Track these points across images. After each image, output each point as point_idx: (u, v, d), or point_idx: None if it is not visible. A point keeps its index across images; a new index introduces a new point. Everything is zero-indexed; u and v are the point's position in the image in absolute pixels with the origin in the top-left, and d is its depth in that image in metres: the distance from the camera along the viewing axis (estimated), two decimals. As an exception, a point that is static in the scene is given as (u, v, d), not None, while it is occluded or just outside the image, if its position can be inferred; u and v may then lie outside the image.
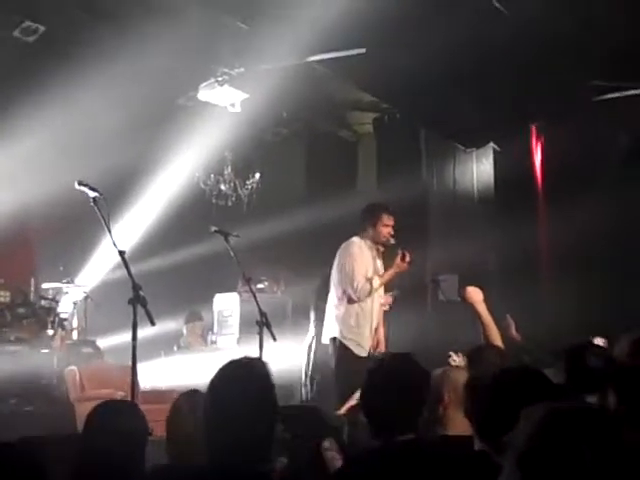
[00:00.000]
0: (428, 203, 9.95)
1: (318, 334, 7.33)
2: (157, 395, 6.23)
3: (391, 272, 6.51)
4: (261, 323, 5.51)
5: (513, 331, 6.15)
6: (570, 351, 4.13)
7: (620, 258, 8.71)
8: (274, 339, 5.50)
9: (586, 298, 8.54)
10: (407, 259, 6.45)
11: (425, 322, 8.52)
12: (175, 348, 8.34)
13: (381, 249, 6.64)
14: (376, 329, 6.65)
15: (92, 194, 5.37)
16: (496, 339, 5.23)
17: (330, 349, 6.52)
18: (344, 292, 6.48)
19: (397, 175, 9.23)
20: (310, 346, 7.90)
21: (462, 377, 3.60)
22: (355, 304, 6.48)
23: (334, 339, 6.45)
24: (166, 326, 7.94)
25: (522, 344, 6.06)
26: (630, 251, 8.54)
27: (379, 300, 6.64)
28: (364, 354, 6.43)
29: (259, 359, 2.62)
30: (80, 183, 5.39)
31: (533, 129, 9.70)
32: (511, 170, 9.25)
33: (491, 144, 9.74)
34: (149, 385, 6.76)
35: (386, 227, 6.53)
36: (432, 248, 7.62)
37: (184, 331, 8.57)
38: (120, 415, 2.97)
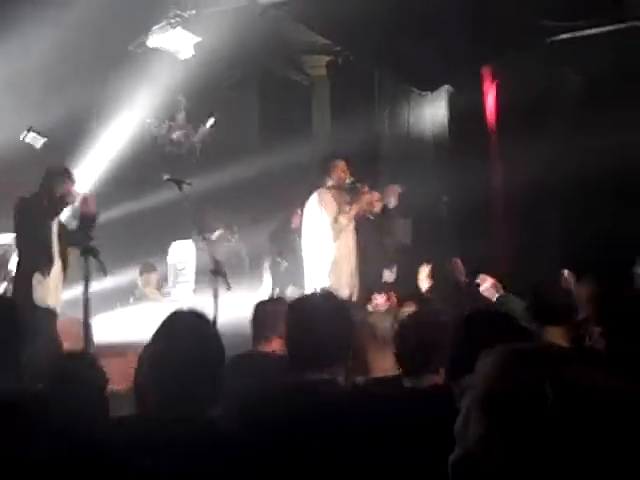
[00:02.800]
0: (381, 147, 10.03)
1: (276, 283, 7.50)
2: (112, 348, 6.27)
3: (354, 207, 6.91)
4: (215, 272, 5.56)
5: (461, 276, 6.31)
6: (535, 286, 4.30)
7: (572, 200, 8.87)
8: (228, 288, 5.56)
9: (538, 241, 8.73)
10: (364, 190, 6.87)
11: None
12: (130, 300, 8.36)
13: (345, 195, 6.92)
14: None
15: (41, 140, 5.36)
16: None
17: None
18: (319, 238, 6.79)
19: (351, 119, 9.26)
20: (273, 292, 8.05)
21: (382, 321, 3.75)
22: (331, 246, 6.78)
23: (317, 286, 6.65)
24: (121, 278, 7.96)
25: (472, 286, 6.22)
26: (581, 193, 8.69)
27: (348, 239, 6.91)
28: (346, 296, 6.58)
29: (197, 311, 2.68)
30: (29, 130, 5.37)
31: (487, 71, 9.75)
32: (465, 112, 9.34)
33: (445, 86, 9.79)
34: (104, 339, 6.80)
35: (341, 172, 6.84)
36: (383, 192, 7.73)
37: (139, 282, 8.58)
38: (79, 366, 3.05)
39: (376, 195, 7.52)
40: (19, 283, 5.88)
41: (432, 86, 9.83)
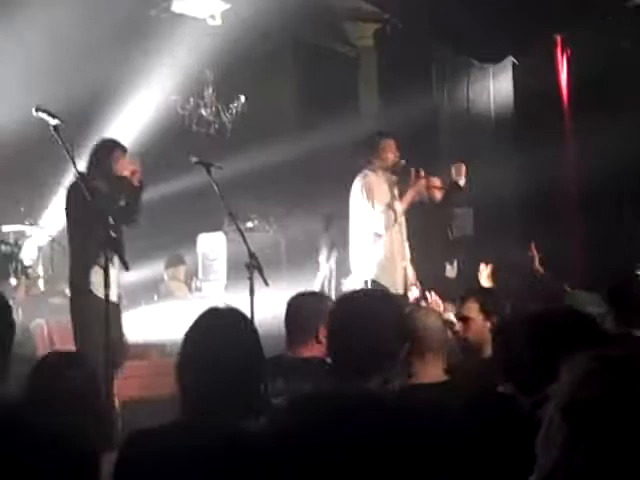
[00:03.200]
0: (438, 126, 9.89)
1: (333, 272, 7.37)
2: (136, 350, 6.22)
3: (410, 193, 6.71)
4: (251, 266, 5.48)
5: (537, 264, 6.18)
6: (614, 285, 4.26)
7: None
8: (266, 284, 5.48)
9: (613, 234, 8.53)
10: (421, 174, 6.62)
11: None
12: (155, 297, 8.32)
13: (394, 178, 6.78)
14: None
15: (52, 121, 5.27)
16: None
17: None
18: (368, 228, 6.64)
19: (403, 95, 9.11)
20: (323, 286, 8.00)
21: (431, 319, 3.66)
22: (382, 239, 6.63)
23: (366, 281, 6.59)
24: (145, 272, 7.93)
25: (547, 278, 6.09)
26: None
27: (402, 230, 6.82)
28: (400, 290, 6.63)
29: (236, 309, 2.65)
30: (38, 109, 5.29)
31: (557, 40, 9.57)
32: (532, 87, 9.16)
33: (510, 58, 9.61)
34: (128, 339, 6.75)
35: (390, 152, 6.67)
36: (443, 178, 7.54)
37: (165, 277, 8.54)
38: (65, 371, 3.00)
39: (436, 181, 7.34)
40: (77, 277, 5.86)
41: (495, 58, 9.65)
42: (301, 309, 3.96)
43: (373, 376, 2.71)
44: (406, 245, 6.91)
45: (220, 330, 2.44)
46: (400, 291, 6.64)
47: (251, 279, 5.44)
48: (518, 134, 9.42)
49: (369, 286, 6.53)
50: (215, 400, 2.31)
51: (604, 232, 8.50)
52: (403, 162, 6.78)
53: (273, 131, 9.26)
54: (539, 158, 8.35)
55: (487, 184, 8.54)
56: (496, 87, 9.75)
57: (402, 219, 6.83)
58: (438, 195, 7.33)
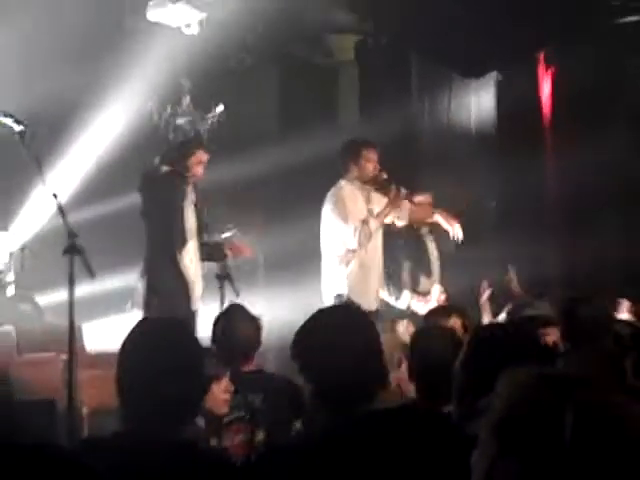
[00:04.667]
0: (418, 140, 9.82)
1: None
2: (106, 359, 6.12)
3: (387, 209, 6.51)
4: (221, 277, 5.43)
5: (515, 285, 6.15)
6: (564, 302, 4.29)
7: (636, 205, 8.65)
8: (237, 294, 5.41)
9: (596, 251, 8.49)
10: (402, 193, 6.50)
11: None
12: (129, 306, 8.19)
13: (371, 190, 6.63)
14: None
15: (17, 127, 5.24)
16: None
17: None
18: (342, 243, 6.45)
19: (383, 107, 9.07)
20: None
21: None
22: (356, 254, 6.45)
23: (339, 296, 6.46)
24: (118, 281, 7.80)
25: (524, 298, 6.07)
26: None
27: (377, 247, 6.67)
28: (373, 308, 6.40)
29: (174, 319, 2.83)
30: (5, 114, 5.26)
31: (541, 56, 9.56)
32: (515, 103, 9.15)
33: (493, 73, 9.59)
34: (97, 347, 6.64)
35: (370, 162, 6.50)
36: (422, 192, 7.47)
37: (139, 286, 8.42)
38: None
39: (421, 198, 7.11)
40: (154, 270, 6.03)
41: (478, 72, 9.63)
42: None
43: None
44: (381, 262, 6.76)
45: (155, 340, 2.49)
46: (372, 309, 6.44)
47: (222, 289, 5.38)
48: (500, 149, 9.39)
49: (342, 302, 6.40)
50: (151, 410, 2.37)
51: (584, 246, 8.46)
52: (384, 176, 6.61)
53: (251, 141, 9.18)
54: (520, 173, 8.32)
55: (467, 200, 8.51)
56: (478, 102, 9.72)
57: (378, 235, 6.67)
58: (429, 218, 7.08)
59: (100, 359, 6.16)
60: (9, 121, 5.21)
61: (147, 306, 6.12)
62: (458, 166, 9.05)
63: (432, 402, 3.00)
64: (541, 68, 9.57)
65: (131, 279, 8.12)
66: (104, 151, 8.62)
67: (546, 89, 9.56)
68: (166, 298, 6.11)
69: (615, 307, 5.91)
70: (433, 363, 3.12)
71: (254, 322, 4.46)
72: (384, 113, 8.93)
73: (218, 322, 4.45)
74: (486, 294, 6.44)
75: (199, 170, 6.43)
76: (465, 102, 9.79)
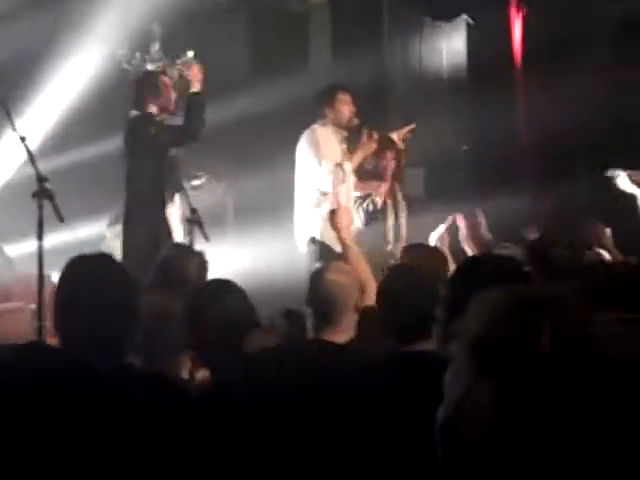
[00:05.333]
0: (390, 84, 9.77)
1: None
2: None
3: (360, 154, 6.56)
4: (191, 221, 5.44)
5: (484, 230, 6.17)
6: (534, 242, 4.30)
7: (607, 149, 8.66)
8: (206, 239, 5.42)
9: (567, 195, 8.55)
10: (374, 137, 6.51)
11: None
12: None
13: (344, 134, 6.66)
14: None
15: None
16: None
17: (309, 252, 6.49)
18: (314, 185, 6.48)
19: (355, 52, 9.00)
20: None
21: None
22: (329, 197, 6.46)
23: (313, 239, 6.48)
24: (87, 229, 7.79)
25: (494, 244, 6.09)
26: (618, 141, 8.48)
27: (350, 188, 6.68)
28: None
29: (106, 254, 2.96)
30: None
31: (512, -1, 9.50)
32: (486, 47, 9.09)
33: (464, 16, 9.52)
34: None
35: (346, 105, 6.52)
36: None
37: (107, 234, 8.39)
38: None
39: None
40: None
41: (448, 16, 9.55)
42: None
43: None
44: (353, 206, 6.80)
45: (87, 275, 2.56)
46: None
47: (191, 234, 5.39)
48: (471, 93, 9.36)
49: (317, 244, 6.45)
50: (84, 343, 2.43)
51: (555, 191, 8.51)
52: (356, 121, 6.64)
53: (222, 87, 9.09)
54: (491, 117, 8.31)
55: (439, 144, 8.52)
56: (449, 45, 9.67)
57: (350, 178, 6.71)
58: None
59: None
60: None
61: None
62: (429, 110, 9.02)
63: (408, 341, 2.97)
64: (512, 11, 9.50)
65: (101, 227, 8.14)
66: (73, 98, 8.53)
67: (517, 33, 9.51)
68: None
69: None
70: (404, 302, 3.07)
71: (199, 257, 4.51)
72: (356, 58, 8.86)
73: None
74: (483, 225, 6.36)
75: None
76: (436, 46, 9.73)
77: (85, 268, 2.60)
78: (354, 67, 8.73)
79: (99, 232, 8.16)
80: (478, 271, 2.56)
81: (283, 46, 10.01)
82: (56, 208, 4.87)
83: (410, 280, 3.18)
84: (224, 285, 3.39)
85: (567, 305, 1.16)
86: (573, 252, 4.26)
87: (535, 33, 9.25)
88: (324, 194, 6.53)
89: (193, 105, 6.13)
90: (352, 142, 6.79)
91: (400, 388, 2.64)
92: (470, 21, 9.51)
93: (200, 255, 4.55)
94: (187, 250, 4.67)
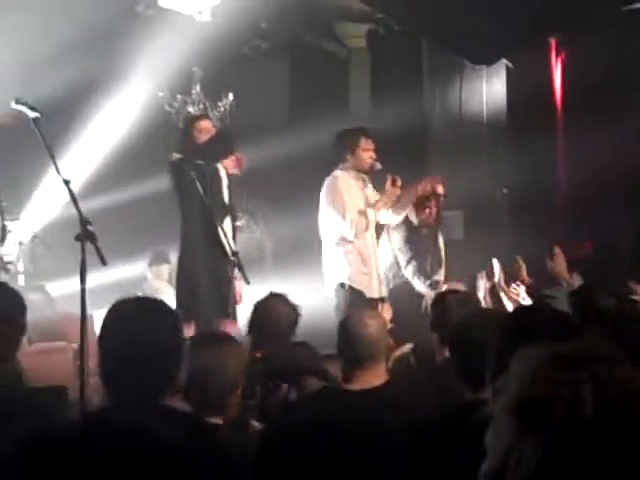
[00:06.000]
0: (430, 127, 9.80)
1: None
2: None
3: (383, 200, 6.53)
4: (232, 263, 5.46)
5: (524, 274, 6.13)
6: (577, 293, 4.26)
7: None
8: (247, 282, 5.45)
9: (607, 242, 8.48)
10: (398, 184, 6.49)
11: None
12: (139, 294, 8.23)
13: (367, 179, 6.67)
14: None
15: (32, 114, 5.23)
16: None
17: (337, 297, 6.55)
18: (340, 234, 6.48)
19: (394, 96, 9.05)
20: None
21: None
22: (355, 244, 6.49)
23: (342, 285, 6.49)
24: (128, 270, 7.84)
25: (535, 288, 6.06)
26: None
27: (373, 235, 6.72)
28: (375, 295, 6.54)
29: (153, 298, 2.93)
30: (18, 101, 5.25)
31: (552, 43, 9.51)
32: (526, 90, 9.07)
33: (503, 60, 9.55)
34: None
35: (366, 151, 6.52)
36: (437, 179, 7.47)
37: (148, 275, 8.45)
38: None
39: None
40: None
41: (488, 60, 9.59)
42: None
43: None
44: (378, 252, 6.79)
45: (132, 319, 2.57)
46: (375, 296, 6.54)
47: (231, 277, 5.43)
48: (511, 136, 9.36)
49: (346, 290, 6.46)
50: (127, 386, 2.46)
51: (596, 234, 8.44)
52: (379, 166, 6.59)
53: (262, 130, 9.20)
54: (531, 161, 8.30)
55: (478, 187, 8.50)
56: (489, 89, 9.68)
57: (373, 226, 6.69)
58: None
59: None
60: (23, 108, 5.22)
61: None
62: (469, 154, 9.03)
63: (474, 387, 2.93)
64: (552, 54, 9.51)
65: (141, 267, 8.21)
66: (115, 139, 8.64)
67: (557, 76, 9.51)
68: None
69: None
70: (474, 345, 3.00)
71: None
72: (395, 101, 8.90)
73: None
74: (523, 268, 6.33)
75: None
76: (477, 89, 9.75)
77: (132, 310, 2.62)
78: (394, 111, 8.77)
79: (140, 273, 8.23)
80: (525, 324, 2.53)
81: (323, 89, 10.09)
82: (99, 251, 4.90)
83: (488, 326, 3.12)
84: None
85: (612, 362, 1.15)
86: (620, 302, 4.23)
87: (575, 76, 9.24)
88: (349, 242, 6.51)
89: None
90: (377, 189, 6.77)
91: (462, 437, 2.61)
92: (510, 65, 9.53)
93: (295, 308, 4.62)
94: (284, 300, 4.70)
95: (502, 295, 5.97)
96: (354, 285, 6.46)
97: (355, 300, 6.37)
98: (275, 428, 3.11)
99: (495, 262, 6.23)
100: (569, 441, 1.08)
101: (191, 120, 6.77)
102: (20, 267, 8.10)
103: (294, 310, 4.62)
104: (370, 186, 6.73)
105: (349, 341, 3.48)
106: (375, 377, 3.44)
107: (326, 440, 2.91)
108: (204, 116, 6.81)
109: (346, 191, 6.49)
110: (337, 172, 6.58)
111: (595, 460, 1.07)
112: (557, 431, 1.09)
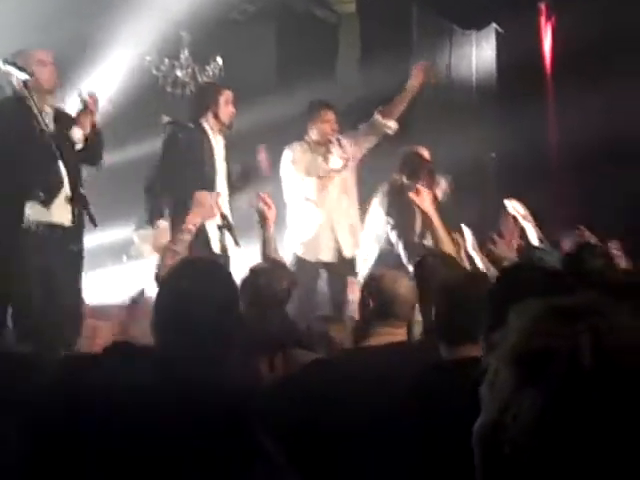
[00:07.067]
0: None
1: None
2: (104, 310, 6.19)
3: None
4: (221, 227, 5.48)
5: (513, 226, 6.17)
6: (568, 254, 4.31)
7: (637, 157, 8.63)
8: (236, 244, 5.46)
9: (597, 205, 8.51)
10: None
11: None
12: (124, 258, 8.24)
13: (330, 149, 6.74)
14: None
15: (22, 76, 5.19)
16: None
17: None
18: (300, 197, 6.64)
19: (383, 61, 9.01)
20: None
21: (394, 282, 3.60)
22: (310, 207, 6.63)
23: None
24: (113, 233, 7.84)
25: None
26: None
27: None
28: (326, 259, 6.65)
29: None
30: (6, 61, 5.21)
31: (542, 7, 9.50)
32: (516, 55, 9.07)
33: (493, 25, 9.54)
34: (95, 300, 6.69)
35: (326, 123, 6.51)
36: (422, 146, 7.47)
37: (135, 239, 8.44)
38: None
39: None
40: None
41: (478, 24, 9.58)
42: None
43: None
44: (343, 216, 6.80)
45: (196, 278, 2.54)
46: (324, 259, 6.60)
47: (222, 240, 5.44)
48: (500, 101, 9.37)
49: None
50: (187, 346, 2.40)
51: (587, 204, 8.48)
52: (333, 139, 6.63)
53: (250, 95, 9.16)
54: (519, 126, 8.31)
55: (467, 153, 8.51)
56: (479, 54, 9.68)
57: (336, 189, 6.71)
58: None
59: (97, 311, 6.21)
60: (12, 69, 5.17)
61: None
62: (458, 118, 9.02)
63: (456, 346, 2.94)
64: (542, 19, 9.51)
65: (128, 231, 8.20)
66: (103, 102, 8.59)
67: (547, 41, 9.50)
68: None
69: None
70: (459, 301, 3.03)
71: None
72: (384, 68, 8.88)
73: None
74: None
75: None
76: (466, 54, 9.74)
77: (196, 269, 2.64)
78: (382, 76, 8.74)
79: (125, 236, 8.23)
80: (518, 280, 2.57)
81: (311, 53, 10.05)
82: (89, 213, 4.94)
83: (475, 285, 3.15)
84: None
85: (611, 314, 1.16)
86: (607, 261, 4.29)
87: (565, 40, 9.24)
88: (307, 201, 6.60)
89: None
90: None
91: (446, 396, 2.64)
92: (500, 30, 9.52)
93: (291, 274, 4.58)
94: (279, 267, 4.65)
95: (476, 259, 6.00)
96: (304, 248, 6.55)
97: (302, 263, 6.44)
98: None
99: (465, 228, 6.29)
100: (568, 392, 1.09)
101: (216, 90, 6.58)
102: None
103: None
104: (335, 153, 6.71)
105: (384, 300, 3.50)
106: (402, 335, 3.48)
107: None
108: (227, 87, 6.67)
109: (305, 159, 6.58)
110: (295, 144, 6.70)
111: (595, 411, 1.08)
112: (557, 382, 1.10)
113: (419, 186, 6.26)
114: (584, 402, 1.08)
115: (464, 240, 6.03)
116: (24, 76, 5.19)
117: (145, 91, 8.90)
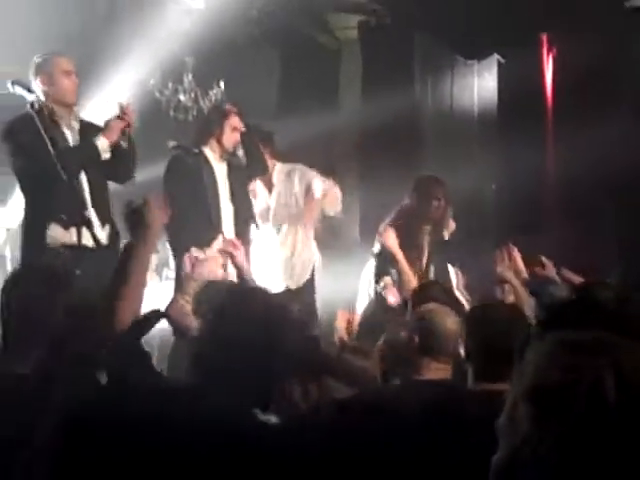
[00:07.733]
0: (421, 122, 9.83)
1: None
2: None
3: None
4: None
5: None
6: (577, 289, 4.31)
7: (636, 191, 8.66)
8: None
9: (595, 238, 8.54)
10: None
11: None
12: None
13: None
14: None
15: (29, 97, 5.20)
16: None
17: None
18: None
19: (385, 89, 9.06)
20: None
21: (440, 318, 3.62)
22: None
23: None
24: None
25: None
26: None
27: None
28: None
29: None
30: (14, 83, 5.22)
31: (544, 39, 9.56)
32: (517, 85, 9.14)
33: (495, 55, 9.59)
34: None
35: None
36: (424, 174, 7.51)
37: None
38: None
39: None
40: None
41: (479, 55, 9.64)
42: None
43: None
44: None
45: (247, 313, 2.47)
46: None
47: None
48: (501, 132, 9.41)
49: None
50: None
51: (581, 233, 8.50)
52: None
53: (250, 120, 9.20)
54: (521, 156, 8.34)
55: (468, 183, 8.54)
56: (480, 84, 9.73)
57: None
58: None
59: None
60: (20, 90, 5.18)
61: None
62: (459, 148, 9.07)
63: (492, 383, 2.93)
64: (544, 50, 9.56)
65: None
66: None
67: (548, 71, 9.56)
68: None
69: None
70: (495, 341, 3.04)
71: None
72: (386, 96, 8.92)
73: None
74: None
75: None
76: (468, 84, 9.80)
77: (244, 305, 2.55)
78: (384, 104, 8.79)
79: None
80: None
81: (313, 80, 10.08)
82: (95, 238, 4.97)
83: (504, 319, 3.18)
84: None
85: (630, 349, 1.19)
86: (619, 295, 4.28)
87: (566, 72, 9.28)
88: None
89: None
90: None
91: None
92: (501, 60, 9.58)
93: None
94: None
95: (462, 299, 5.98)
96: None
97: None
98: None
99: (450, 268, 6.32)
100: (591, 426, 1.10)
101: (223, 114, 6.53)
102: (7, 252, 8.09)
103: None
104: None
105: (432, 334, 3.51)
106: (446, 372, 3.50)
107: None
108: (236, 113, 6.63)
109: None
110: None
111: (617, 444, 1.09)
112: (578, 416, 1.11)
113: (387, 225, 6.31)
114: (607, 435, 1.09)
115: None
116: (32, 97, 5.21)
117: (148, 114, 8.92)
